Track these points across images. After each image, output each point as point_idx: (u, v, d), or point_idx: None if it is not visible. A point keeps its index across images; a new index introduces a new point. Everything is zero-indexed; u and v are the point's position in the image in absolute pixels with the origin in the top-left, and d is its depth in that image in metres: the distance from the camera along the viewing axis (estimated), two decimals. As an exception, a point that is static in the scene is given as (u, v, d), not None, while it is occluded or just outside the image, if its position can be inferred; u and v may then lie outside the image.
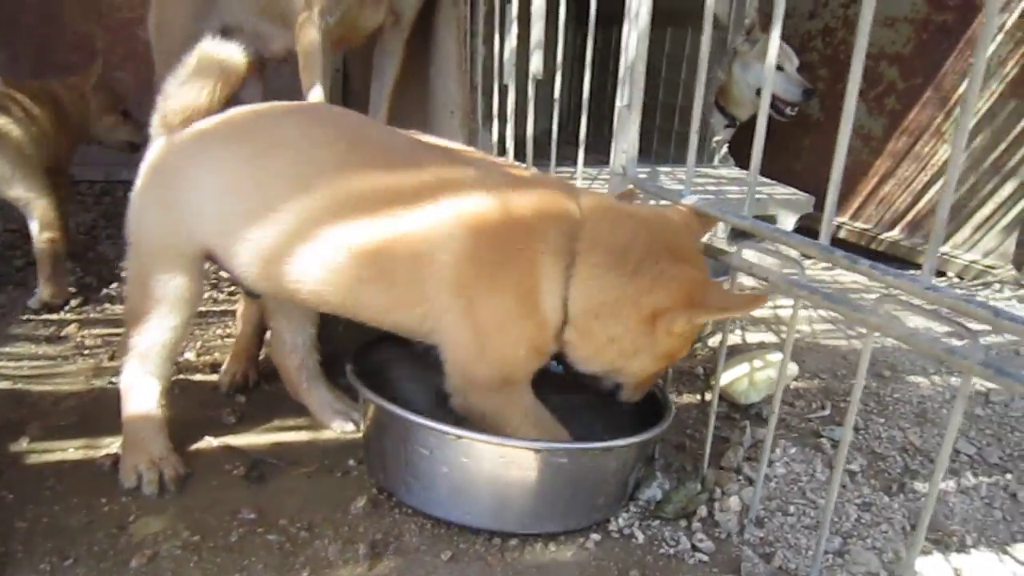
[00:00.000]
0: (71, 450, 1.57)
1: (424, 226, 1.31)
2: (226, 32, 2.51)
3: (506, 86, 2.20)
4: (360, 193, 1.35)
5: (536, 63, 1.98)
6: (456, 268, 1.30)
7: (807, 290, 1.24)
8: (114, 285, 2.61)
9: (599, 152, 2.31)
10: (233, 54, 1.47)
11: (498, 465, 1.32)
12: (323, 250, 1.35)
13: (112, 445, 1.58)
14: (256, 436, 1.68)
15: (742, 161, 4.15)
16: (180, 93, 1.45)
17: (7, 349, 2.04)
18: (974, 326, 1.05)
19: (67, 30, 3.74)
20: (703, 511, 1.53)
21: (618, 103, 1.71)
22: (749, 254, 1.44)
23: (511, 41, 2.14)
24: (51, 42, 3.65)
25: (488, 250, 1.31)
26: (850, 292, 2.94)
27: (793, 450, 1.75)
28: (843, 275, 3.15)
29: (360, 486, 1.51)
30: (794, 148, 4.35)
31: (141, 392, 1.50)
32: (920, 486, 1.68)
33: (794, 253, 1.44)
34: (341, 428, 1.71)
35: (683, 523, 1.50)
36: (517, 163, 2.02)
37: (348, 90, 4.37)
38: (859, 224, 4.06)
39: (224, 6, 2.57)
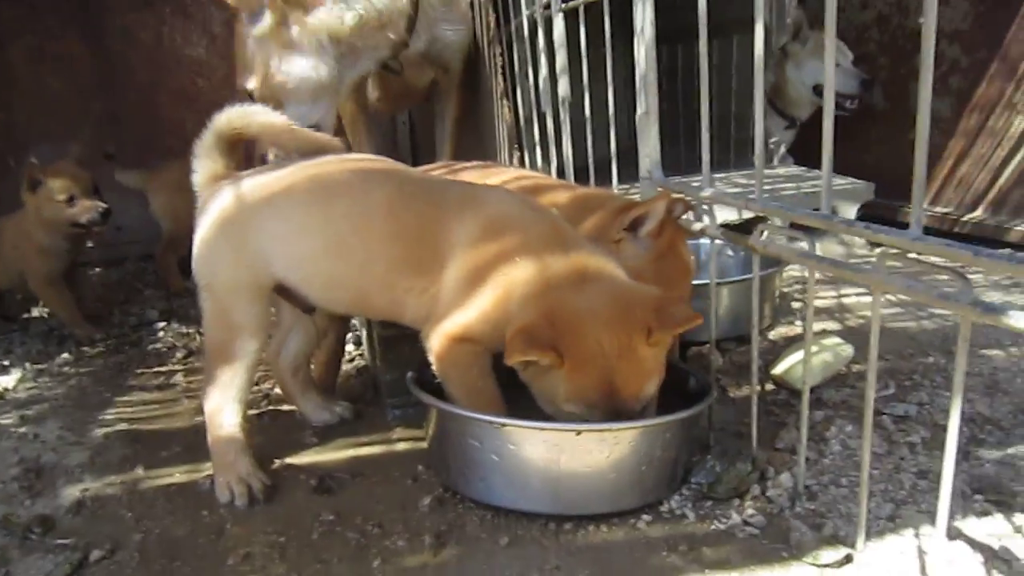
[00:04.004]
0: (177, 475, 1.78)
1: (443, 247, 1.57)
2: None
3: (544, 113, 2.35)
4: (406, 225, 1.62)
5: (563, 87, 2.11)
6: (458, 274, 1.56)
7: (813, 259, 1.30)
8: (214, 337, 2.88)
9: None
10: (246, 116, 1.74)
11: (541, 449, 1.43)
12: (379, 273, 1.62)
13: (210, 468, 1.77)
14: (335, 453, 1.85)
15: (808, 160, 4.12)
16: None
17: (125, 397, 2.31)
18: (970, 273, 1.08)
19: (163, 118, 4.18)
20: (756, 490, 1.57)
21: (638, 113, 1.81)
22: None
23: (542, 71, 2.29)
24: (151, 131, 4.09)
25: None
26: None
27: (849, 427, 1.76)
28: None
29: (427, 488, 1.65)
30: (862, 141, 4.28)
31: (225, 417, 1.69)
32: (986, 453, 1.66)
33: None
34: (322, 420, 2.01)
35: (735, 502, 1.54)
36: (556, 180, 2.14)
37: (415, 141, 4.65)
38: (939, 208, 3.94)
39: None
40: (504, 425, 1.43)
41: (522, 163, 2.62)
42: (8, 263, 2.99)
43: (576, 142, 2.28)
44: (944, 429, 1.76)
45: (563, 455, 1.43)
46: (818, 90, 3.93)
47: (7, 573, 1.44)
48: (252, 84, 2.37)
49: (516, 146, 2.56)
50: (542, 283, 1.48)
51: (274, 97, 2.34)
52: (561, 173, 2.39)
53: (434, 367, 1.59)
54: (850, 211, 3.00)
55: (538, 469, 1.45)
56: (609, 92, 2.04)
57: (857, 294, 2.75)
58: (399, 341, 1.92)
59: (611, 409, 1.43)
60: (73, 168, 2.98)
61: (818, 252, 2.88)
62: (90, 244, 3.26)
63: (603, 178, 2.31)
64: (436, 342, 1.57)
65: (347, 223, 1.64)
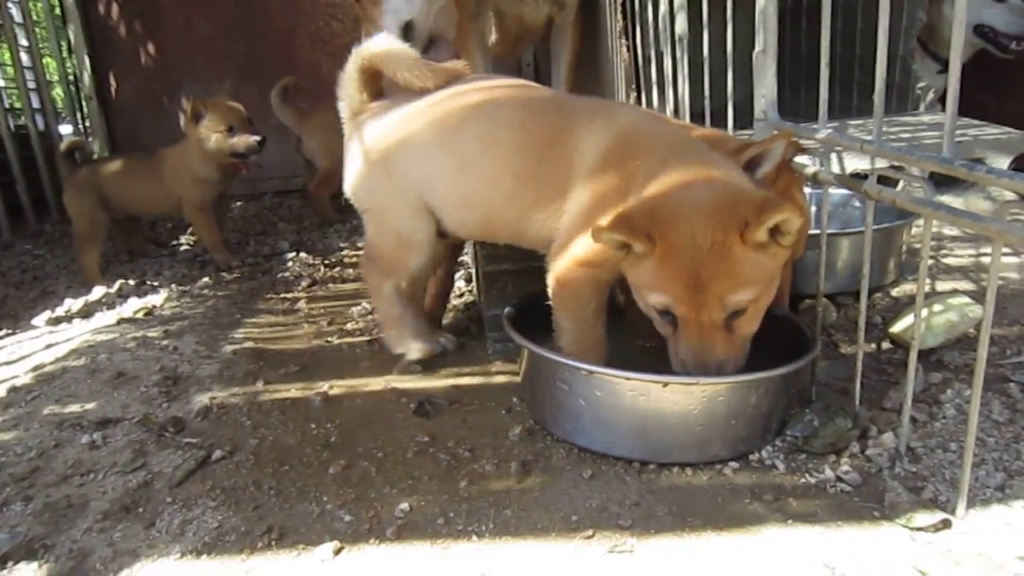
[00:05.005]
0: (292, 390, 1.92)
1: (572, 155, 1.59)
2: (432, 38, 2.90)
3: (661, 52, 2.27)
4: (535, 136, 1.66)
5: (681, 25, 2.03)
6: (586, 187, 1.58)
7: (930, 206, 1.21)
8: (337, 268, 3.05)
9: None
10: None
11: (628, 398, 1.43)
12: (507, 187, 1.68)
13: (323, 386, 1.91)
14: (436, 380, 1.93)
15: (962, 108, 3.77)
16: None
17: (253, 319, 2.50)
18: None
19: (299, 60, 4.37)
20: (855, 448, 1.51)
21: (755, 50, 1.73)
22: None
23: (661, 8, 2.21)
24: (287, 72, 4.27)
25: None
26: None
27: (968, 392, 1.65)
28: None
29: (518, 419, 1.70)
30: (1028, 87, 3.86)
31: (395, 303, 1.94)
32: None
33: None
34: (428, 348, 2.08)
35: (831, 458, 1.50)
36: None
37: (540, 83, 4.63)
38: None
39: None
40: (592, 372, 1.45)
41: (639, 104, 2.56)
42: (168, 189, 3.27)
43: (694, 84, 2.20)
44: (1080, 401, 1.63)
45: (650, 404, 1.43)
46: (980, 31, 3.57)
47: (144, 463, 1.62)
48: None
49: (633, 86, 2.50)
50: (657, 183, 1.46)
51: None
52: (677, 115, 2.32)
53: (551, 294, 1.62)
54: (1001, 163, 2.73)
55: (624, 416, 1.46)
56: (728, 31, 1.95)
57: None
58: (501, 277, 1.97)
59: (693, 305, 1.37)
60: (230, 102, 3.22)
61: (960, 205, 2.62)
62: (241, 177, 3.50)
63: (720, 123, 2.22)
64: (560, 265, 1.59)
65: (477, 141, 1.71)
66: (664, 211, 1.38)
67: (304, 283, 2.87)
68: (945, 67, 3.75)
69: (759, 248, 1.35)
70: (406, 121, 1.80)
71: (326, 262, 3.16)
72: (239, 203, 4.38)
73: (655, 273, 1.39)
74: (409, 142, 1.79)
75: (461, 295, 2.57)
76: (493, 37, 3.01)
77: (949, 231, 2.68)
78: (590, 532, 1.30)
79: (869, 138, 1.41)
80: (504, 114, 1.71)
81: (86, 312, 2.72)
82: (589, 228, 1.53)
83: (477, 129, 1.71)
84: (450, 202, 1.79)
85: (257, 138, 3.14)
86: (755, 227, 1.32)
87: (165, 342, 2.30)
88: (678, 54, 2.11)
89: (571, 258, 1.57)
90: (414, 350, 1.94)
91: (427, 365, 2.02)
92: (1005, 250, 2.56)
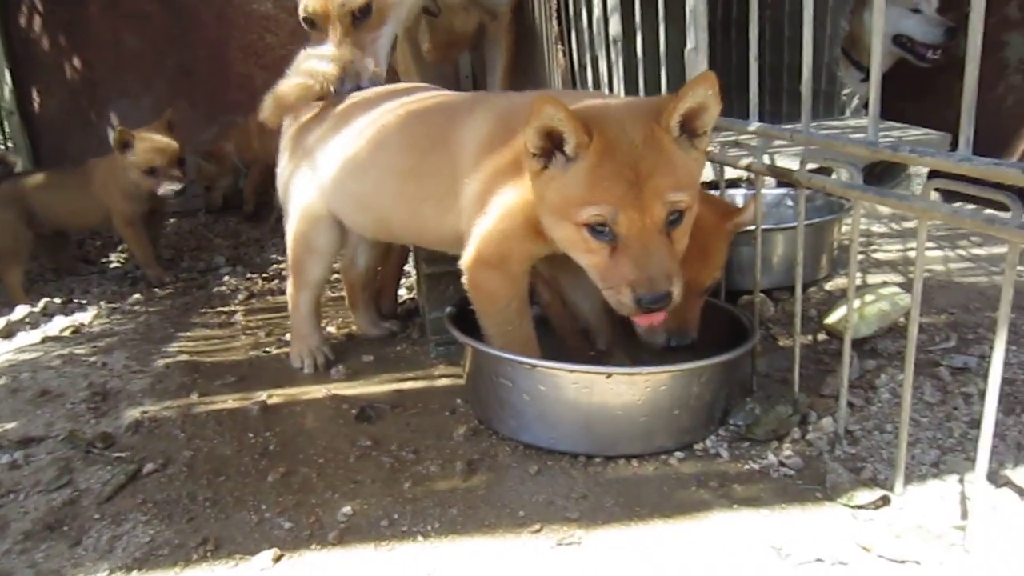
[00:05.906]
0: (229, 401, 1.86)
1: (455, 144, 1.58)
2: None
3: (596, 56, 2.30)
4: (419, 135, 1.68)
5: (615, 27, 2.06)
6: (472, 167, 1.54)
7: (857, 189, 1.24)
8: (275, 281, 2.98)
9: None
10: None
11: (572, 391, 1.43)
12: (394, 187, 1.71)
13: (261, 395, 1.85)
14: (378, 386, 1.90)
15: (884, 114, 3.92)
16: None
17: (188, 333, 2.42)
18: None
19: (232, 73, 4.29)
20: (796, 433, 1.54)
21: (687, 48, 1.76)
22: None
23: (595, 12, 2.24)
24: (220, 86, 4.21)
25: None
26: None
27: (901, 377, 1.68)
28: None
29: (463, 420, 1.67)
30: (944, 94, 4.03)
31: (304, 303, 2.03)
32: (1050, 407, 1.57)
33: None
34: (372, 334, 2.24)
35: (773, 444, 1.52)
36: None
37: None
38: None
39: None
40: (534, 366, 1.44)
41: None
42: (98, 201, 3.14)
43: (629, 86, 2.23)
44: (1007, 381, 1.69)
45: (593, 397, 1.43)
46: (898, 40, 3.73)
47: (70, 480, 1.54)
48: None
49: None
50: None
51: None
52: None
53: (471, 297, 1.59)
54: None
55: (569, 410, 1.45)
56: (660, 31, 1.98)
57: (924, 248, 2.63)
58: (443, 279, 1.95)
59: (636, 206, 1.27)
60: (162, 139, 3.05)
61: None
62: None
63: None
64: (469, 263, 1.54)
65: (367, 145, 1.73)
66: (589, 112, 1.32)
67: (241, 296, 2.79)
68: (868, 75, 3.92)
69: (679, 144, 1.31)
70: (316, 127, 1.90)
71: (264, 275, 3.08)
72: (172, 220, 4.25)
73: (590, 177, 1.29)
74: (315, 143, 1.87)
75: (403, 302, 2.54)
76: (426, 46, 3.01)
77: (877, 228, 2.77)
78: (537, 526, 1.28)
79: (799, 127, 1.44)
80: (391, 118, 1.74)
81: (7, 332, 2.59)
82: (486, 214, 1.49)
83: (368, 134, 1.75)
84: (347, 204, 1.85)
85: (176, 188, 3.04)
86: (671, 110, 1.28)
87: (93, 358, 2.20)
88: (612, 56, 2.13)
89: (477, 255, 1.51)
90: (308, 366, 2.01)
91: (367, 371, 1.98)
92: (929, 244, 2.66)
